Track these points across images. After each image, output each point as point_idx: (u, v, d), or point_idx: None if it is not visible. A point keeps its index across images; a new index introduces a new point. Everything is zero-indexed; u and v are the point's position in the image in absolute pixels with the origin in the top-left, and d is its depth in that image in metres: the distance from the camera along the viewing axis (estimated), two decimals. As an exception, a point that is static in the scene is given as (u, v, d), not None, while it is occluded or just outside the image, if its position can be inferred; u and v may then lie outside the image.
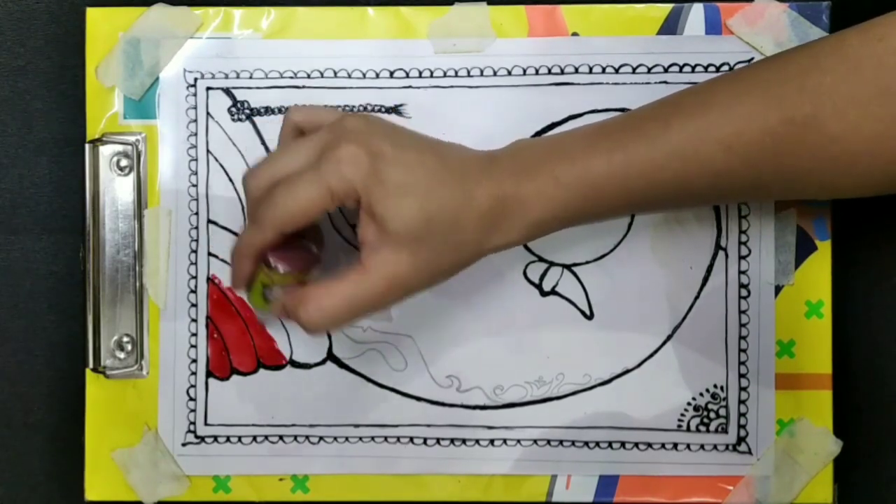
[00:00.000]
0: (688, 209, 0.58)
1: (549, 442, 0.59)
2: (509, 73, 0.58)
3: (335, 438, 0.59)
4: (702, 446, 0.59)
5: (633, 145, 0.50)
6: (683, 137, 0.49)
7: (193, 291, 0.59)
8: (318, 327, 0.50)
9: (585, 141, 0.51)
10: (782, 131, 0.48)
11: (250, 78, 0.59)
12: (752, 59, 0.58)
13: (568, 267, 0.59)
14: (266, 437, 0.59)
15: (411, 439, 0.59)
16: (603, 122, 0.52)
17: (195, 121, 0.59)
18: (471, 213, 0.50)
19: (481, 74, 0.58)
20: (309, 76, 0.59)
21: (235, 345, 0.59)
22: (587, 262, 0.59)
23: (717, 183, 0.50)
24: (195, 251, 0.59)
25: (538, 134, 0.58)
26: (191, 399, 0.59)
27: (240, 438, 0.59)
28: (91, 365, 0.59)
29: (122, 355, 0.59)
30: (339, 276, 0.49)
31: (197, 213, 0.59)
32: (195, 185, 0.59)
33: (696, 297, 0.58)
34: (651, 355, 0.58)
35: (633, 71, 0.58)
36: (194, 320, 0.59)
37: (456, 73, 0.58)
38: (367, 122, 0.51)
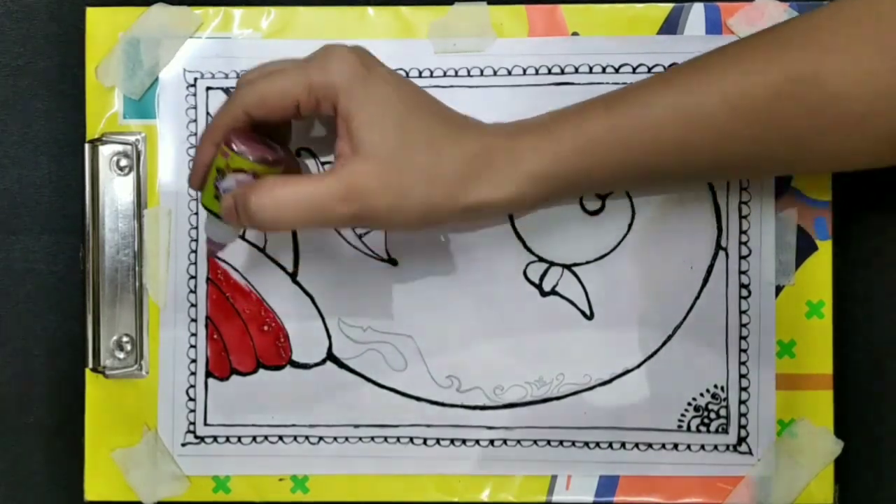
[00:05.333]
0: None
1: (549, 442, 0.59)
2: (509, 73, 0.58)
3: (335, 438, 0.59)
4: (702, 446, 0.59)
5: (634, 102, 0.49)
6: (685, 96, 0.49)
7: (193, 291, 0.59)
8: (269, 220, 0.48)
9: (583, 104, 0.51)
10: (785, 89, 0.48)
11: (250, 78, 0.59)
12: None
13: (568, 267, 0.59)
14: (266, 437, 0.59)
15: (411, 439, 0.59)
16: (605, 94, 0.52)
17: (195, 121, 0.59)
18: (456, 152, 0.49)
19: (481, 74, 0.58)
20: (309, 76, 0.59)
21: (235, 345, 0.59)
22: (587, 262, 0.59)
23: (718, 145, 0.49)
24: (195, 251, 0.59)
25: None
26: (190, 399, 0.59)
27: (240, 438, 0.59)
28: (91, 365, 0.59)
29: (121, 355, 0.59)
30: (300, 175, 0.49)
31: (197, 213, 0.59)
32: (195, 185, 0.59)
33: (697, 297, 0.58)
34: (651, 355, 0.58)
35: (634, 71, 0.58)
36: (194, 320, 0.59)
37: (456, 73, 0.58)
38: (371, 54, 0.50)
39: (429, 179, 0.48)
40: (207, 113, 0.59)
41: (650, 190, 0.57)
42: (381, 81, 0.48)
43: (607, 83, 0.58)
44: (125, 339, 0.59)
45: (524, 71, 0.58)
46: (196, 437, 0.59)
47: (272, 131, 0.53)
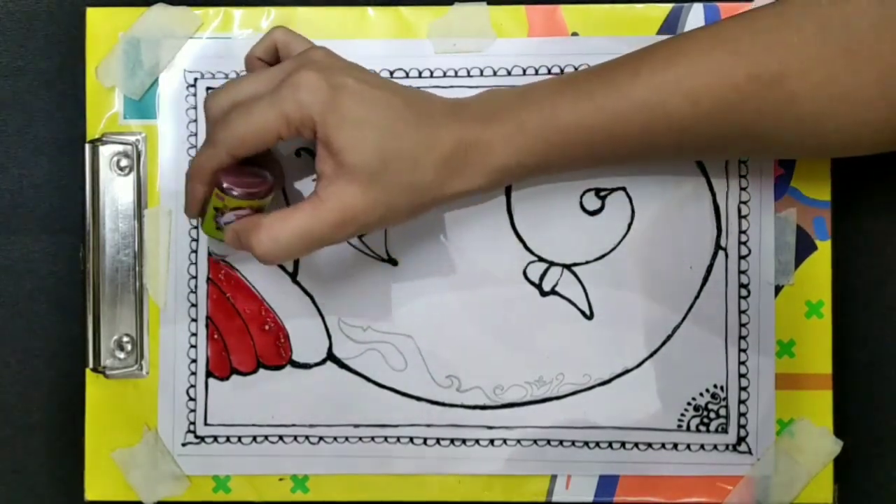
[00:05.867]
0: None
1: (549, 442, 0.59)
2: (509, 73, 0.58)
3: (335, 438, 0.59)
4: (702, 446, 0.59)
5: (601, 94, 0.51)
6: (650, 89, 0.50)
7: (193, 291, 0.59)
8: (270, 256, 0.50)
9: (553, 89, 0.52)
10: (748, 88, 0.49)
11: (250, 78, 0.59)
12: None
13: (568, 267, 0.59)
14: (266, 437, 0.59)
15: (411, 439, 0.59)
16: (574, 73, 0.53)
17: (195, 121, 0.59)
18: (432, 155, 0.50)
19: (481, 74, 0.58)
20: (309, 76, 0.59)
21: (235, 345, 0.59)
22: (587, 262, 0.59)
23: (681, 138, 0.51)
24: (195, 251, 0.59)
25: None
26: (191, 399, 0.59)
27: (240, 438, 0.59)
28: (91, 365, 0.59)
29: (122, 355, 0.59)
30: (293, 207, 0.50)
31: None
32: (195, 185, 0.59)
33: (696, 297, 0.58)
34: (651, 355, 0.58)
35: (633, 71, 0.58)
36: (194, 320, 0.59)
37: (456, 73, 0.58)
38: (333, 56, 0.52)
39: (410, 188, 0.51)
40: (207, 113, 0.59)
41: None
42: (353, 103, 0.50)
43: (607, 83, 0.58)
44: (125, 339, 0.59)
45: (524, 71, 0.58)
46: (196, 436, 0.59)
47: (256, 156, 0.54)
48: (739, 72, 0.49)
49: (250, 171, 0.53)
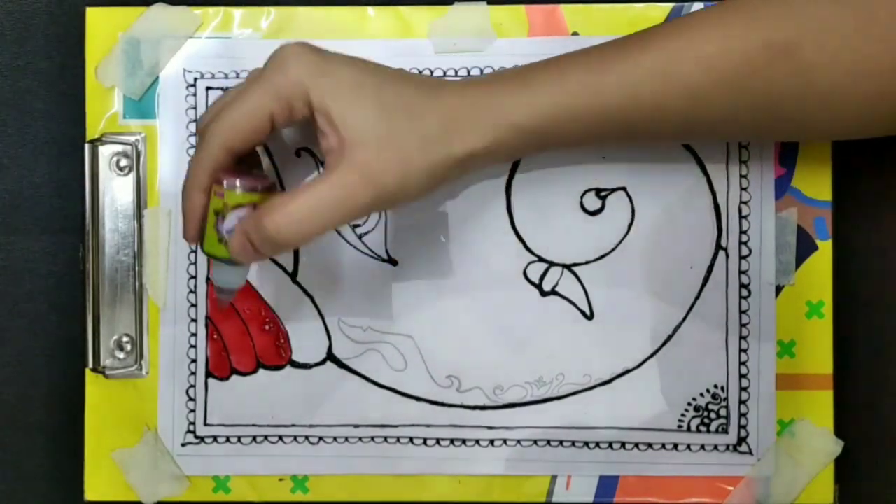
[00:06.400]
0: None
1: (549, 442, 0.59)
2: (509, 72, 0.58)
3: (335, 438, 0.59)
4: (702, 446, 0.59)
5: (611, 61, 0.50)
6: (663, 55, 0.49)
7: (193, 291, 0.59)
8: (288, 234, 0.47)
9: (563, 58, 0.51)
10: (761, 56, 0.48)
11: (250, 78, 0.59)
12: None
13: (568, 267, 0.59)
14: (266, 437, 0.59)
15: (411, 439, 0.59)
16: (583, 48, 0.51)
17: (195, 121, 0.59)
18: (435, 110, 0.48)
19: (481, 74, 0.58)
20: (309, 76, 0.59)
21: (235, 345, 0.59)
22: (587, 262, 0.59)
23: (693, 107, 0.49)
24: (195, 251, 0.59)
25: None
26: (190, 399, 0.59)
27: (239, 438, 0.59)
28: (91, 365, 0.59)
29: (121, 355, 0.59)
30: (305, 184, 0.47)
31: (197, 213, 0.59)
32: (195, 185, 0.59)
33: (696, 297, 0.58)
34: (651, 355, 0.58)
35: (634, 71, 0.58)
36: (194, 320, 0.59)
37: (456, 73, 0.58)
38: (311, 45, 0.49)
39: (421, 142, 0.48)
40: (207, 113, 0.59)
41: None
42: (343, 66, 0.48)
43: (607, 83, 0.58)
44: (125, 339, 0.59)
45: (524, 71, 0.58)
46: (196, 437, 0.59)
47: (248, 161, 0.52)
48: (753, 39, 0.48)
49: (248, 171, 0.51)
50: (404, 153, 0.48)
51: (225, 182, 0.49)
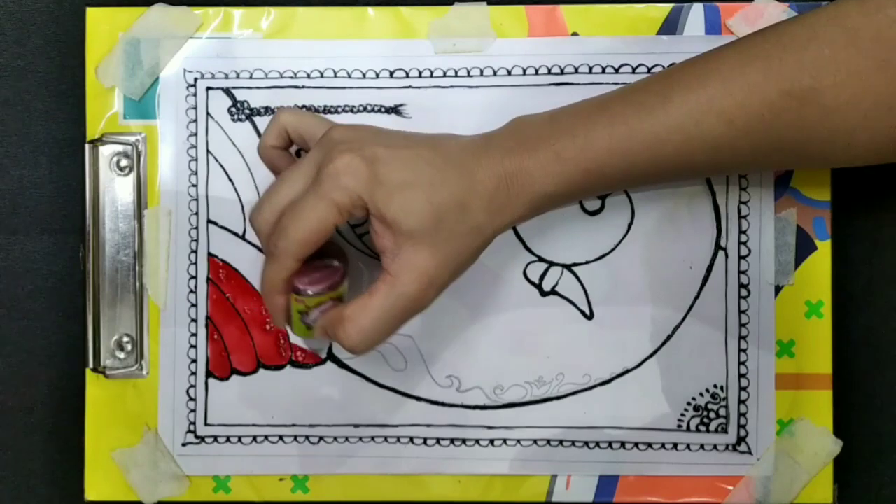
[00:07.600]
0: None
1: (549, 442, 0.59)
2: (509, 73, 0.58)
3: (335, 438, 0.59)
4: (702, 446, 0.59)
5: (634, 119, 0.50)
6: (684, 111, 0.50)
7: (193, 291, 0.59)
8: (361, 347, 0.50)
9: (585, 115, 0.51)
10: (781, 104, 0.49)
11: (250, 78, 0.59)
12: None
13: (568, 267, 0.59)
14: (266, 437, 0.59)
15: (411, 439, 0.59)
16: (602, 97, 0.52)
17: (195, 121, 0.59)
18: (477, 196, 0.50)
19: (481, 74, 0.58)
20: (309, 76, 0.59)
21: (235, 345, 0.59)
22: (587, 262, 0.59)
23: (717, 156, 0.50)
24: (195, 251, 0.59)
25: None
26: (191, 399, 0.59)
27: (240, 438, 0.59)
28: (91, 365, 0.59)
29: (122, 355, 0.59)
30: (369, 292, 0.50)
31: (197, 214, 0.59)
32: (195, 186, 0.59)
33: (696, 297, 0.58)
34: (651, 355, 0.58)
35: (633, 71, 0.58)
36: (194, 320, 0.59)
37: (456, 73, 0.58)
38: (355, 130, 0.51)
39: (470, 233, 0.50)
40: (207, 113, 0.59)
41: (646, 189, 0.58)
42: (392, 170, 0.49)
43: (607, 83, 0.58)
44: (125, 339, 0.59)
45: (524, 71, 0.58)
46: (196, 436, 0.59)
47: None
48: (772, 89, 0.49)
49: (317, 266, 0.52)
50: (457, 247, 0.50)
51: (300, 288, 0.51)
